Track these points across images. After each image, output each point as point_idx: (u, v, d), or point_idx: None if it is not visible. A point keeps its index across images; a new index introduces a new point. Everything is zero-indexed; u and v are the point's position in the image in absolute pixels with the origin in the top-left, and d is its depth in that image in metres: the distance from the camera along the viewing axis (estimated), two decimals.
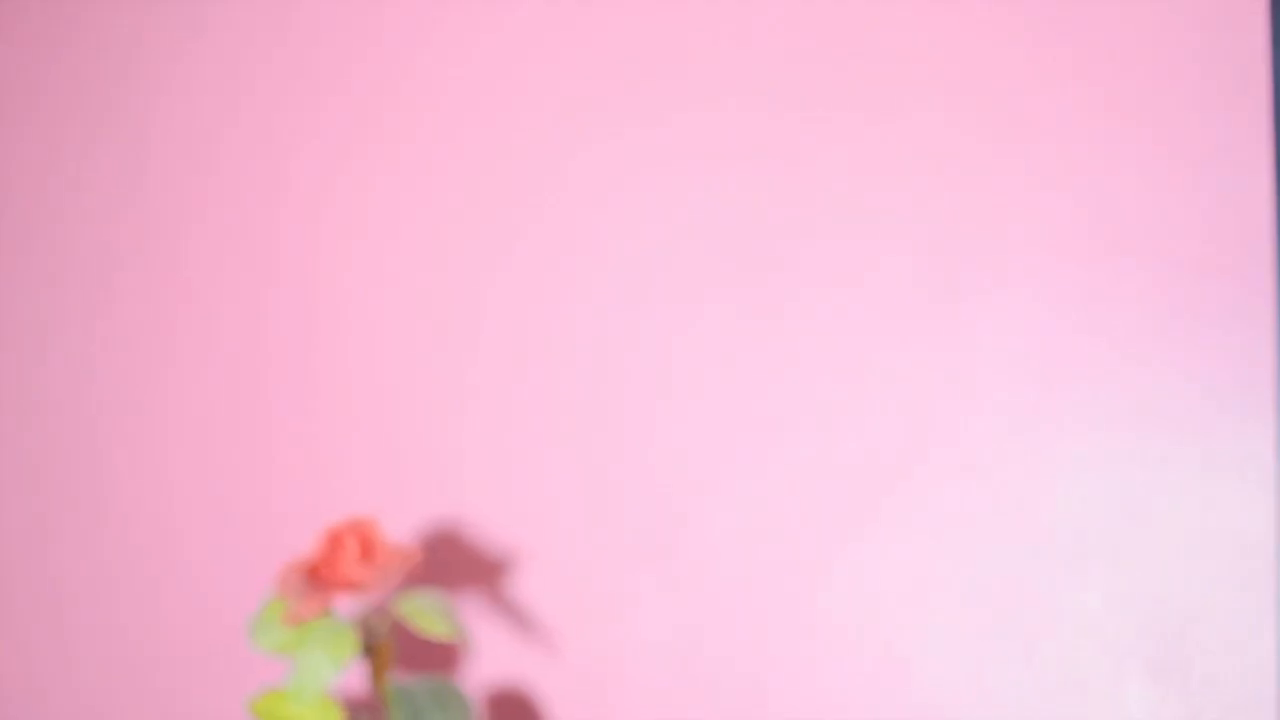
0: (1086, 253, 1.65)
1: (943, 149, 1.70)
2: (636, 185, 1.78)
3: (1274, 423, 1.57)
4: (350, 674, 1.80)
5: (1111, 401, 1.63)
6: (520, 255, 1.82)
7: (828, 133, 1.73)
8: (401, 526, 1.82)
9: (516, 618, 1.79)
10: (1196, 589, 1.59)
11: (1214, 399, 1.60)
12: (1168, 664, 1.59)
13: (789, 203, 1.74)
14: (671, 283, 1.77)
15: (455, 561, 1.81)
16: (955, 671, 1.65)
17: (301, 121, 1.91)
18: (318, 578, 1.61)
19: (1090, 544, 1.62)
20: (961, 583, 1.65)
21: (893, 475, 1.68)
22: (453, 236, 1.85)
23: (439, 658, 1.81)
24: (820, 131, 1.73)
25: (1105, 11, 1.66)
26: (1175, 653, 1.59)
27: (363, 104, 1.89)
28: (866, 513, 1.69)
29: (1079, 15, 1.67)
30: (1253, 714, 1.57)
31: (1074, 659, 1.62)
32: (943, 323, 1.68)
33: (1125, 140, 1.65)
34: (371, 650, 1.65)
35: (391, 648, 1.66)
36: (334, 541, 1.61)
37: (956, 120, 1.70)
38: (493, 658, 1.79)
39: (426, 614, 1.61)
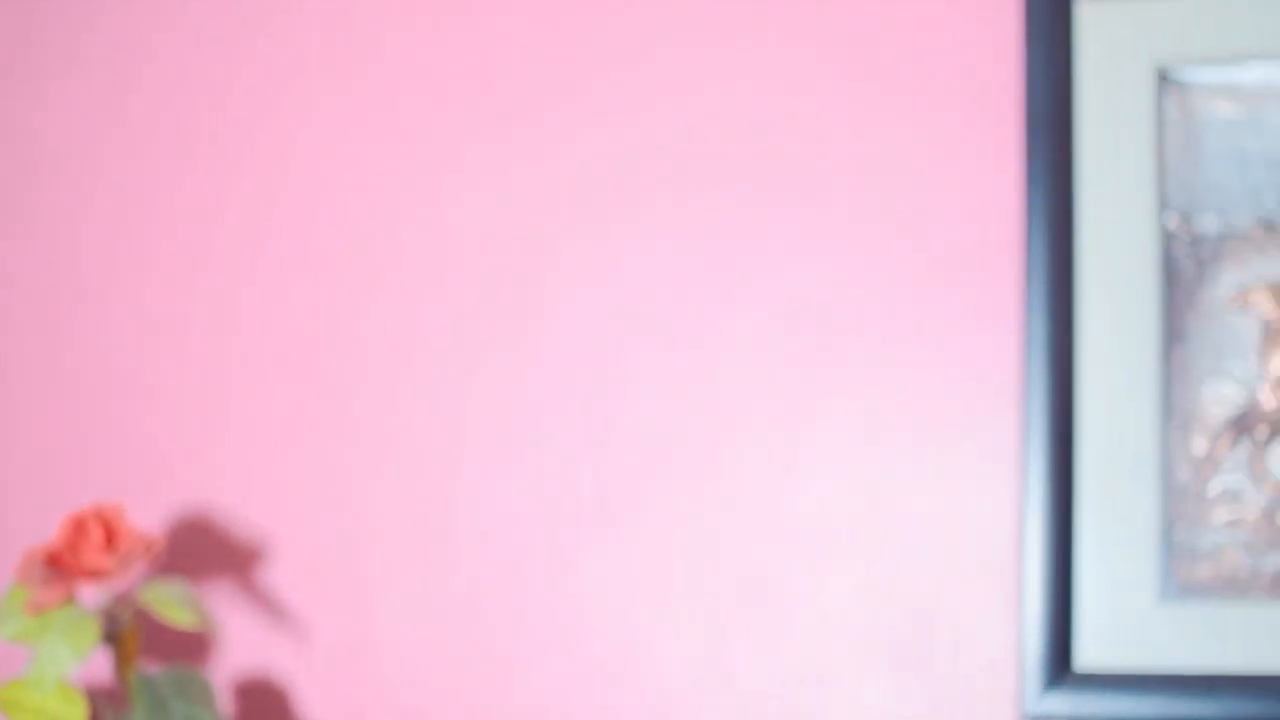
0: (836, 250, 1.68)
1: (704, 150, 1.72)
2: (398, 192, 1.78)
3: (1017, 418, 1.61)
4: (97, 663, 1.76)
5: (856, 395, 1.66)
6: (275, 249, 1.80)
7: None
8: (148, 514, 1.78)
9: (266, 607, 1.77)
10: (939, 582, 1.63)
11: (960, 394, 1.64)
12: (909, 656, 1.63)
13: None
14: (411, 272, 1.77)
15: (204, 550, 1.78)
16: (697, 661, 1.67)
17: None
18: (59, 565, 1.57)
19: (833, 536, 1.65)
20: (703, 573, 1.67)
21: (635, 470, 1.70)
22: (206, 227, 1.82)
23: (189, 647, 1.78)
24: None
25: (865, 25, 1.69)
26: (917, 644, 1.63)
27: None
28: (609, 505, 1.70)
29: (845, 27, 1.70)
30: (993, 705, 1.61)
31: (816, 650, 1.65)
32: (691, 316, 1.70)
33: (880, 145, 1.68)
34: (115, 639, 1.62)
35: (137, 637, 1.63)
36: (76, 528, 1.57)
37: (717, 123, 1.72)
38: (243, 647, 1.77)
39: (171, 603, 1.58)
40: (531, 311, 1.73)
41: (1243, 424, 1.59)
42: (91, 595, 1.65)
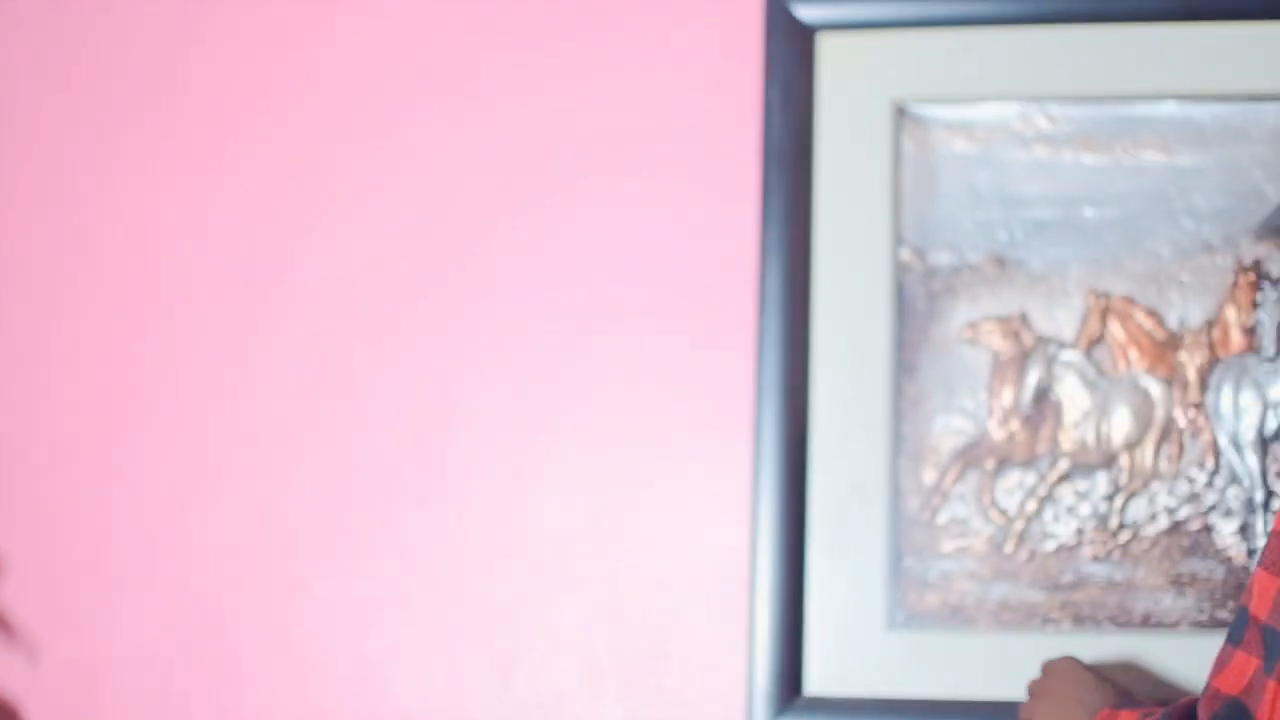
0: (574, 279, 1.68)
1: (455, 164, 1.71)
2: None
3: (750, 446, 1.62)
4: None
5: (593, 423, 1.67)
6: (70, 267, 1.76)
7: None
8: None
9: None
10: (671, 607, 1.64)
11: (695, 423, 1.65)
12: (641, 681, 1.64)
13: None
14: (178, 294, 1.74)
15: None
16: (430, 683, 1.66)
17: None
18: None
19: (567, 561, 1.65)
20: (438, 596, 1.66)
21: (369, 492, 1.68)
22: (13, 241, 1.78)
23: None
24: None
25: (610, 57, 1.70)
26: (648, 670, 1.64)
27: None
28: (344, 528, 1.68)
29: (591, 59, 1.71)
30: None
31: (549, 676, 1.65)
32: (427, 333, 1.69)
33: (622, 176, 1.68)
34: None
35: None
36: None
37: (465, 134, 1.71)
38: None
39: None
40: (268, 326, 1.71)
41: (972, 455, 1.62)
42: None
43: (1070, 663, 1.43)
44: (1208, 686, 1.11)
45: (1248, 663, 1.09)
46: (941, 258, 1.65)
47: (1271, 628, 1.07)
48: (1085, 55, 1.63)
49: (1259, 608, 1.08)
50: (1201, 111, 1.63)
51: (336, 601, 1.67)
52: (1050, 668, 1.44)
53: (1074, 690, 1.40)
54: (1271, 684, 1.06)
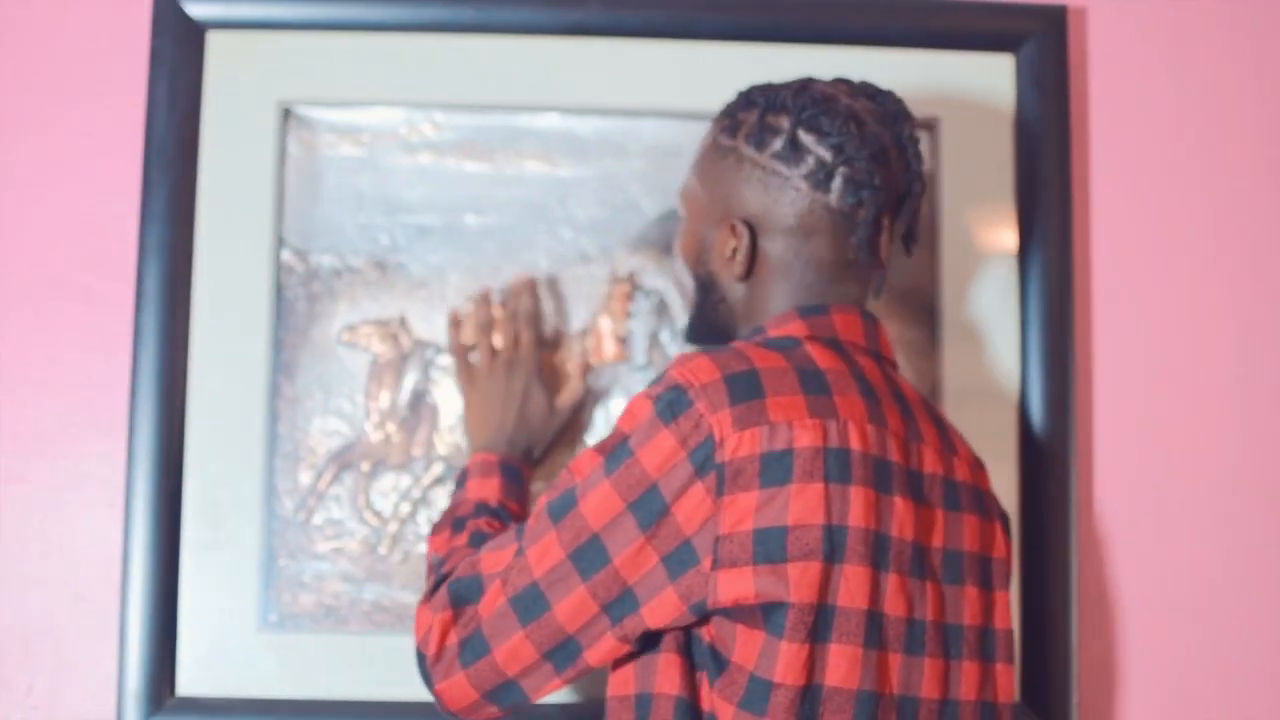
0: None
1: None
2: None
3: (124, 445, 1.61)
4: None
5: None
6: None
7: None
8: None
9: None
10: (42, 608, 1.62)
11: (68, 420, 1.63)
12: (12, 682, 1.61)
13: None
14: None
15: None
16: None
17: None
18: None
19: None
20: None
21: None
22: None
23: None
24: None
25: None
26: (19, 671, 1.61)
27: None
28: None
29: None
30: None
31: None
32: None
33: (1, 167, 1.65)
34: None
35: None
36: None
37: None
38: None
39: None
40: None
41: (348, 457, 1.64)
42: None
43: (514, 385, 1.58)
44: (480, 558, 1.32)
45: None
46: (323, 260, 1.66)
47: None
48: (472, 65, 1.65)
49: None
50: (583, 125, 1.67)
51: None
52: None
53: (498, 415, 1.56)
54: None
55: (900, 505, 1.27)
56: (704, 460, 1.23)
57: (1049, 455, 1.64)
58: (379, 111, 1.67)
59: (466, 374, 1.60)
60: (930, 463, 1.31)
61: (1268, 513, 1.68)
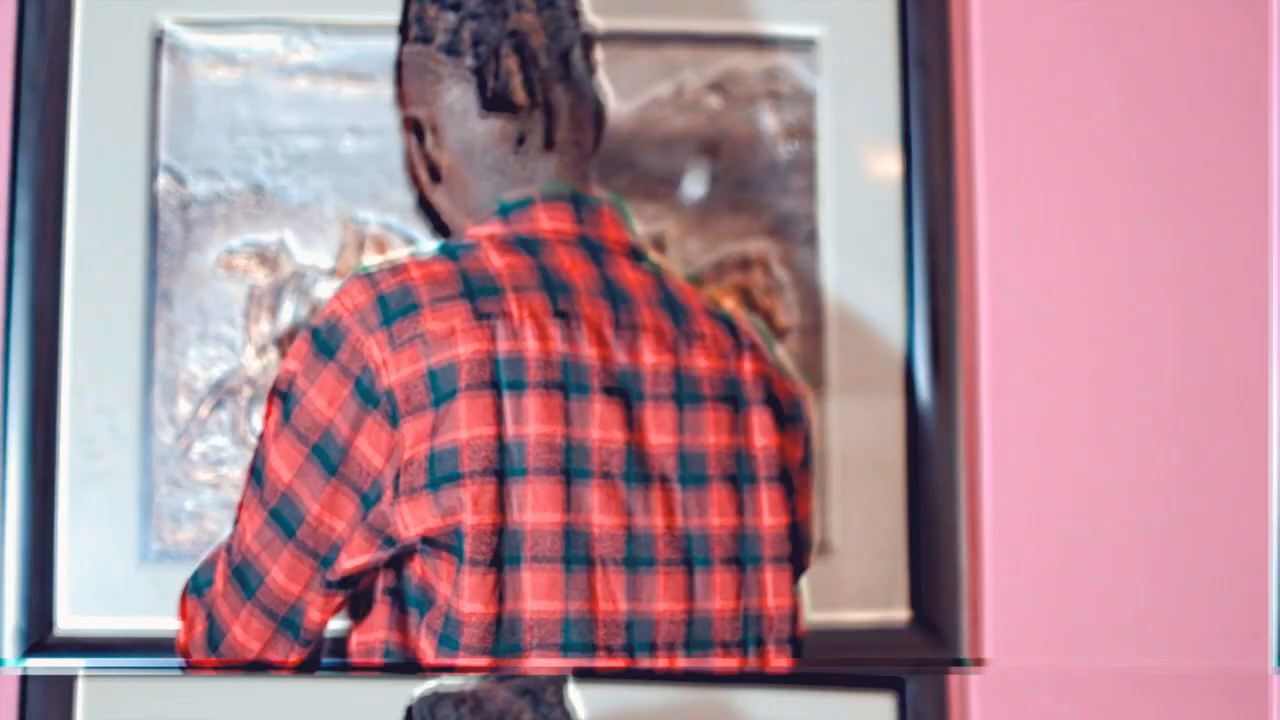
0: None
1: None
2: None
3: None
4: None
5: None
6: None
7: None
8: None
9: None
10: None
11: None
12: None
13: None
14: None
15: None
16: None
17: None
18: None
19: None
20: None
21: None
22: None
23: None
24: None
25: None
26: None
27: None
28: None
29: None
30: None
31: None
32: None
33: None
34: None
35: None
36: None
37: None
38: None
39: None
40: None
41: (226, 388, 1.61)
42: None
43: None
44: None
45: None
46: (200, 187, 1.63)
47: None
48: None
49: None
50: None
51: None
52: None
53: None
54: None
55: (601, 405, 1.18)
56: (368, 390, 1.17)
57: (936, 373, 1.63)
58: (255, 35, 1.64)
59: None
60: (653, 353, 1.21)
61: (1142, 423, 1.68)
